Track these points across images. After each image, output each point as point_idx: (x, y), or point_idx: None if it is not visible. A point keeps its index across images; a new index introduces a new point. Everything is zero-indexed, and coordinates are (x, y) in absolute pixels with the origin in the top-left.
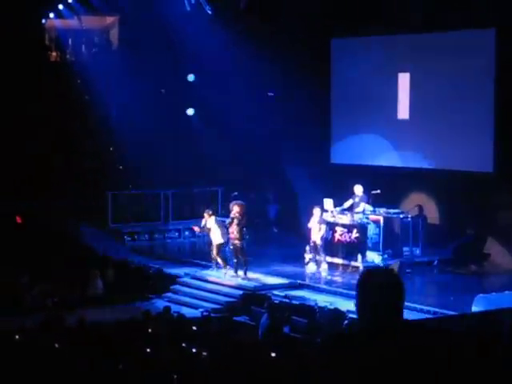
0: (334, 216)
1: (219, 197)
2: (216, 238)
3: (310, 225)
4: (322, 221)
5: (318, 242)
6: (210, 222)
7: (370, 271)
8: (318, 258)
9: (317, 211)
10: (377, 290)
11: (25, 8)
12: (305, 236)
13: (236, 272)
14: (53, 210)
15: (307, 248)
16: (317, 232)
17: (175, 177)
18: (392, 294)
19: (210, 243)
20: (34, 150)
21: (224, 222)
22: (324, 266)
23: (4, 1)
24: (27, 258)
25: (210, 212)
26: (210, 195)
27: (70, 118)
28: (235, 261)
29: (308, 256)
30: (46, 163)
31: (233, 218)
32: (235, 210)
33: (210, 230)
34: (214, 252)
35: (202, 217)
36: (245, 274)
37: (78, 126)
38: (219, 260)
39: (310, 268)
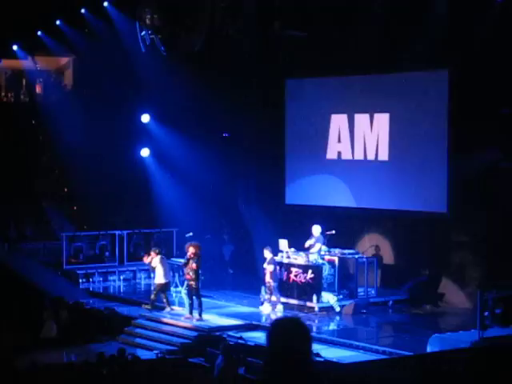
0: (288, 257)
1: (174, 238)
2: (158, 277)
3: (264, 266)
4: (272, 261)
5: (272, 283)
6: (155, 260)
7: (277, 321)
8: (272, 298)
9: (267, 253)
10: (284, 339)
11: None
12: (260, 277)
13: (191, 313)
14: (7, 252)
15: (262, 289)
16: (268, 273)
17: (130, 217)
18: (299, 343)
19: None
20: None
21: (171, 262)
22: (279, 307)
23: None
24: None
25: (157, 251)
26: (165, 236)
27: (23, 158)
28: (190, 302)
29: (263, 297)
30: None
31: (188, 259)
32: (190, 250)
33: (154, 268)
34: (153, 293)
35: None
36: (200, 315)
37: (32, 166)
38: (153, 298)
39: (266, 309)
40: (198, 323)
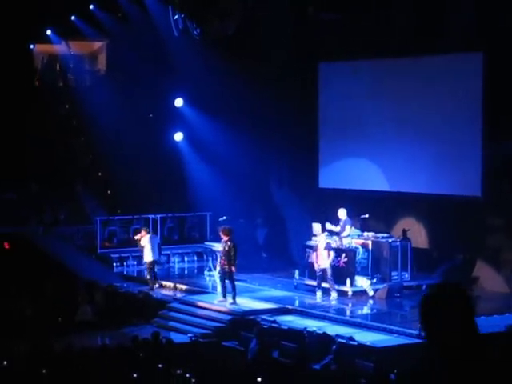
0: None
1: (207, 221)
2: (146, 255)
3: (317, 252)
4: (329, 247)
5: (328, 268)
6: (144, 239)
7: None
8: (324, 285)
9: (322, 238)
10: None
11: (12, 33)
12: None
13: (224, 297)
14: (42, 236)
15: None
16: (325, 259)
17: (163, 201)
18: (461, 311)
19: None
20: (24, 174)
21: (205, 246)
22: (334, 295)
23: None
24: (16, 283)
25: (147, 230)
26: (199, 220)
27: (57, 142)
28: (223, 285)
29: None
30: (34, 188)
31: (222, 243)
32: (223, 234)
33: (143, 246)
34: (147, 272)
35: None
36: (233, 299)
37: (67, 150)
38: (148, 277)
39: (319, 296)
40: (231, 307)
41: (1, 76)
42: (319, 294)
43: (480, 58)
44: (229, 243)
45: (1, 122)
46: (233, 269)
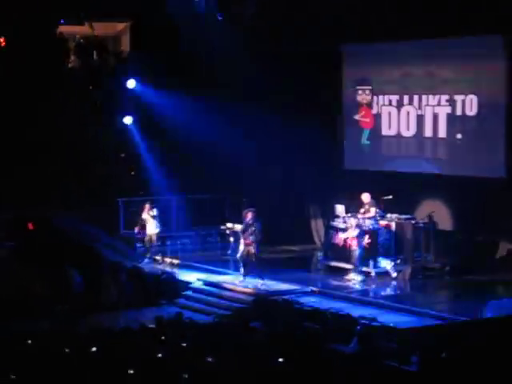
0: (345, 222)
1: (227, 204)
2: (151, 228)
3: (346, 234)
4: (358, 229)
5: (356, 250)
6: (150, 212)
7: None
8: (349, 266)
9: (352, 219)
10: None
11: (37, 15)
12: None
13: (244, 277)
14: (65, 217)
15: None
16: (354, 240)
17: (186, 183)
18: None
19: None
20: (46, 157)
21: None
22: (358, 276)
23: (16, 8)
24: (39, 264)
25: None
26: (220, 201)
27: (81, 123)
28: (246, 266)
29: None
30: (57, 170)
31: (247, 225)
32: (249, 216)
33: (153, 217)
34: (147, 239)
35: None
36: (262, 279)
37: (90, 131)
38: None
39: (349, 277)
40: (255, 288)
41: (26, 57)
42: (354, 275)
43: (500, 40)
44: (254, 224)
45: (22, 105)
46: (254, 249)
